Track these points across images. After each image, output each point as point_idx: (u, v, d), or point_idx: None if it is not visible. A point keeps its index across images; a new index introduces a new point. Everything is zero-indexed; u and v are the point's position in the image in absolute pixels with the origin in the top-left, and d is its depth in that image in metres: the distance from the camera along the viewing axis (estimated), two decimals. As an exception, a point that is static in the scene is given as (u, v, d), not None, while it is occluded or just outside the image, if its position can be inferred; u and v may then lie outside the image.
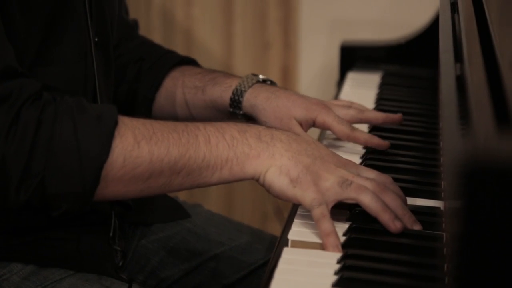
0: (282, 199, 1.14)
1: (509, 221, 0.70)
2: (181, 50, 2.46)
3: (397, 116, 1.44)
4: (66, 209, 1.11)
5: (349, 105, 1.44)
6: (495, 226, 0.71)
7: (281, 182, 1.12)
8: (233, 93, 1.41)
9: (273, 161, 1.13)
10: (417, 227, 1.11)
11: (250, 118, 1.43)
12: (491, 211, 0.70)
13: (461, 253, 0.72)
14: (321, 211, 1.09)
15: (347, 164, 1.16)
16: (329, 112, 1.38)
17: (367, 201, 1.10)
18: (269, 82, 1.45)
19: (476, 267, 0.72)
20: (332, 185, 1.11)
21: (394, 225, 1.09)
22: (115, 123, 1.10)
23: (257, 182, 1.15)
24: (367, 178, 1.13)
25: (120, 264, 1.26)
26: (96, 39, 1.26)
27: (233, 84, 1.42)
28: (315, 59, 2.47)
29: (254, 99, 1.40)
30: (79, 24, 1.23)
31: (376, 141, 1.37)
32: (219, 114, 1.47)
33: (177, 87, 1.48)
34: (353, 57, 1.91)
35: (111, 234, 1.28)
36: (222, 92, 1.43)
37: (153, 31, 2.47)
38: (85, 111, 1.10)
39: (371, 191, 1.10)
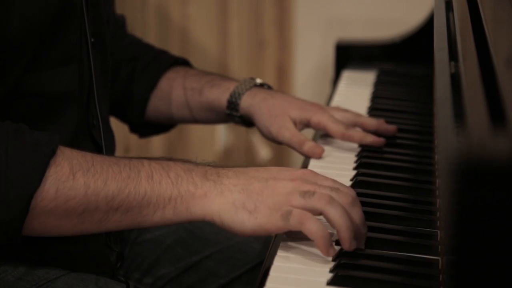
0: (248, 235, 1.06)
1: (504, 218, 0.71)
2: (176, 49, 2.46)
3: (392, 127, 1.43)
4: None
5: (346, 110, 1.45)
6: (490, 223, 0.71)
7: (240, 219, 1.05)
8: (230, 96, 1.42)
9: (223, 199, 1.06)
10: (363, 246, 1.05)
11: (246, 121, 1.44)
12: (485, 208, 0.71)
13: (456, 251, 0.72)
14: (298, 214, 1.03)
15: (303, 174, 1.08)
16: (324, 112, 1.39)
17: (332, 213, 1.03)
18: (266, 87, 1.45)
19: (470, 264, 0.72)
20: (293, 197, 1.04)
21: (349, 245, 1.03)
22: (52, 152, 1.04)
23: (214, 223, 1.08)
24: (332, 188, 1.06)
25: (118, 265, 1.26)
26: (93, 40, 1.26)
27: (231, 87, 1.43)
28: (310, 58, 2.47)
29: (251, 99, 1.41)
30: (76, 25, 1.22)
31: (371, 138, 1.37)
32: (215, 116, 1.48)
33: (173, 88, 1.48)
34: (348, 56, 1.92)
35: (109, 236, 1.27)
36: (220, 94, 1.43)
37: (148, 30, 2.47)
38: (22, 137, 1.04)
39: (338, 204, 1.04)
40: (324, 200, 1.03)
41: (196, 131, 2.58)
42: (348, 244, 1.03)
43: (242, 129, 2.53)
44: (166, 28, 2.49)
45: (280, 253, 1.06)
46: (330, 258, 1.05)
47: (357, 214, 1.05)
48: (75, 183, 1.03)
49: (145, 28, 2.45)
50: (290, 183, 1.06)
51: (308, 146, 1.35)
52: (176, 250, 1.44)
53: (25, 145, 1.03)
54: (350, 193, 1.06)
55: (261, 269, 1.05)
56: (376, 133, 1.41)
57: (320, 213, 1.04)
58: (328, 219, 1.04)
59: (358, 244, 1.04)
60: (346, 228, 1.02)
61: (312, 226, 1.02)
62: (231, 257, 1.46)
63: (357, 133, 1.38)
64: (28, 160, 1.02)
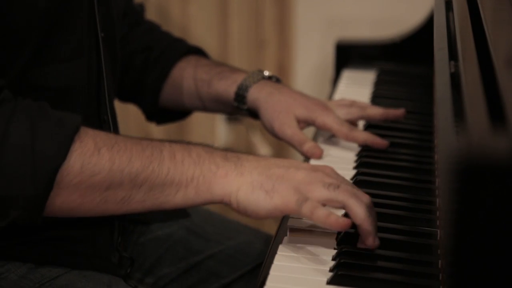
0: (262, 217, 1.06)
1: (504, 217, 0.71)
2: (176, 49, 2.46)
3: (399, 111, 1.44)
4: (15, 217, 1.03)
5: (351, 104, 1.45)
6: (489, 222, 0.71)
7: (256, 197, 1.05)
8: (238, 88, 1.43)
9: (242, 179, 1.06)
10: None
11: (254, 114, 1.44)
12: (485, 207, 0.71)
13: (456, 250, 0.73)
14: (311, 204, 1.03)
15: (325, 169, 1.10)
16: (329, 113, 1.39)
17: (355, 207, 1.03)
18: (274, 80, 1.46)
19: (470, 263, 0.72)
20: (316, 187, 1.05)
21: (373, 242, 1.04)
22: (76, 128, 1.03)
23: (230, 207, 1.08)
24: (352, 187, 1.07)
25: (128, 271, 1.26)
26: (103, 34, 1.26)
27: (238, 79, 1.43)
28: (311, 57, 2.47)
29: (258, 93, 1.41)
30: (85, 19, 1.22)
31: (375, 140, 1.37)
32: (223, 107, 1.48)
33: (184, 78, 1.49)
34: (348, 55, 1.92)
35: (118, 240, 1.27)
36: (228, 86, 1.44)
37: (148, 29, 2.47)
38: (46, 113, 1.04)
39: (362, 200, 1.04)
40: (349, 193, 1.04)
41: (196, 129, 2.58)
42: (372, 239, 1.03)
43: (242, 128, 2.54)
44: (167, 27, 2.47)
45: (280, 252, 1.07)
46: (330, 258, 1.05)
47: (375, 215, 1.05)
48: (100, 158, 1.03)
49: (145, 27, 2.45)
50: (313, 173, 1.06)
51: (308, 146, 1.35)
52: (178, 250, 1.44)
53: (50, 120, 1.03)
54: (368, 197, 1.07)
55: (262, 268, 1.05)
56: (385, 120, 1.44)
57: (342, 207, 1.04)
58: (351, 213, 1.04)
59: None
60: (370, 223, 1.03)
61: (321, 212, 1.02)
62: (232, 257, 1.46)
63: (362, 134, 1.38)
64: (53, 134, 1.01)
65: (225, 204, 1.08)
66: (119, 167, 1.04)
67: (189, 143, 1.11)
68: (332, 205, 1.05)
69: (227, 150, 1.11)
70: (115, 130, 1.31)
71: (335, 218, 1.01)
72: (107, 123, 1.27)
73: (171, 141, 1.10)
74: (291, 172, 1.07)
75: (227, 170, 1.07)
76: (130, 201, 1.06)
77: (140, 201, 1.06)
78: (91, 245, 1.27)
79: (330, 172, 1.09)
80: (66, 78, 1.19)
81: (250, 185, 1.06)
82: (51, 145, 1.01)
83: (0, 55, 1.12)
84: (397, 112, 1.45)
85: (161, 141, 1.10)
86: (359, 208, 1.03)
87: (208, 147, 1.11)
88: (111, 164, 1.04)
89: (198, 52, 1.54)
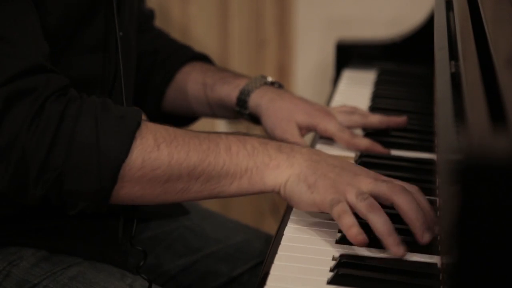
0: (303, 209, 1.12)
1: (504, 218, 0.71)
2: (177, 48, 2.46)
3: (402, 119, 1.44)
4: (82, 208, 1.11)
5: (353, 111, 1.45)
6: (490, 222, 0.71)
7: (299, 190, 1.10)
8: (240, 93, 1.43)
9: (292, 170, 1.11)
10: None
11: (255, 119, 1.44)
12: (485, 207, 0.71)
13: (456, 250, 0.73)
14: (342, 208, 1.07)
15: (368, 172, 1.12)
16: (331, 120, 1.39)
17: (375, 222, 1.05)
18: (277, 85, 1.46)
19: (470, 263, 0.72)
20: (350, 191, 1.08)
21: (397, 250, 1.04)
22: (138, 125, 1.10)
23: (279, 195, 1.13)
24: (388, 183, 1.09)
25: (142, 264, 1.27)
26: (121, 34, 1.28)
27: (241, 84, 1.44)
28: (311, 57, 2.47)
29: (260, 99, 1.41)
30: (104, 17, 1.24)
31: (376, 147, 1.38)
32: (226, 112, 1.49)
33: (188, 82, 1.50)
34: (348, 55, 1.92)
35: (133, 234, 1.29)
36: (230, 91, 1.45)
37: (149, 29, 2.47)
38: (109, 110, 1.10)
39: (409, 193, 1.07)
40: (394, 188, 1.07)
41: (197, 129, 2.58)
42: (393, 251, 1.04)
43: (242, 129, 2.53)
44: (167, 27, 2.48)
45: (281, 252, 1.07)
46: (331, 258, 1.05)
47: (425, 201, 1.08)
48: (160, 153, 1.09)
49: (145, 27, 2.45)
50: (355, 177, 1.10)
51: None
52: (177, 248, 1.45)
53: (112, 118, 1.09)
54: (415, 189, 1.10)
55: (262, 268, 1.05)
56: (387, 128, 1.44)
57: (388, 201, 1.07)
58: (398, 207, 1.06)
59: (431, 235, 1.06)
60: (415, 218, 1.05)
61: (347, 221, 1.05)
62: (231, 256, 1.46)
63: (363, 141, 1.38)
64: (116, 132, 1.08)
65: (276, 193, 1.13)
66: (177, 161, 1.10)
67: (245, 134, 1.16)
68: (379, 199, 1.08)
69: (282, 141, 1.17)
70: None
71: (355, 232, 1.04)
72: None
73: (227, 133, 1.15)
74: (336, 172, 1.11)
75: (279, 162, 1.12)
76: (188, 191, 1.12)
77: (197, 191, 1.13)
78: (103, 237, 1.28)
79: (372, 178, 1.10)
80: (83, 71, 1.23)
81: (297, 177, 1.11)
82: (114, 143, 1.08)
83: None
84: (399, 120, 1.44)
85: (218, 133, 1.15)
86: (378, 223, 1.05)
87: (264, 138, 1.16)
88: (170, 159, 1.10)
89: (204, 58, 1.55)
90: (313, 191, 1.09)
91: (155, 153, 1.09)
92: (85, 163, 1.07)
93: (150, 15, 1.59)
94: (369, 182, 1.09)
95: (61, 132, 1.06)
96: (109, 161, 1.07)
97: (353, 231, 1.04)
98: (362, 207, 1.06)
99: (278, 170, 1.12)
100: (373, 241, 1.07)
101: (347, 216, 1.06)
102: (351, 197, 1.07)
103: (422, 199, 1.09)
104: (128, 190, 1.10)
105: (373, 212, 1.06)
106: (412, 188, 1.10)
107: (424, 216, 1.06)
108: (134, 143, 1.08)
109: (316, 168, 1.11)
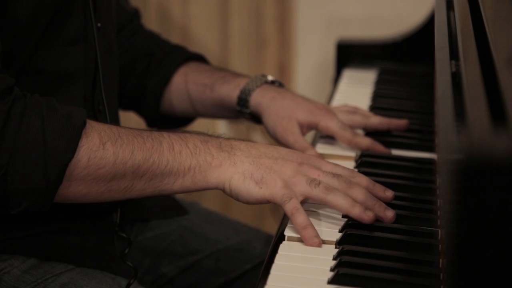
0: (251, 203, 1.15)
1: (505, 217, 0.71)
2: (177, 48, 2.45)
3: (402, 122, 1.44)
4: (25, 207, 1.10)
5: (354, 111, 1.45)
6: (490, 222, 0.71)
7: (247, 186, 1.13)
8: (241, 92, 1.43)
9: (235, 168, 1.14)
10: (389, 213, 1.11)
11: (256, 118, 1.44)
12: (486, 207, 0.71)
13: (457, 249, 0.73)
14: (294, 205, 1.10)
15: (309, 159, 1.16)
16: (333, 117, 1.39)
17: (335, 201, 1.10)
18: (277, 84, 1.45)
19: (471, 263, 0.72)
20: (300, 181, 1.12)
21: (366, 216, 1.09)
22: (83, 124, 1.10)
23: (224, 192, 1.16)
24: (333, 175, 1.14)
25: (126, 251, 1.27)
26: (99, 25, 1.27)
27: (241, 83, 1.43)
28: (311, 57, 2.47)
29: (261, 97, 1.41)
30: (82, 9, 1.24)
31: (377, 147, 1.37)
32: (226, 112, 1.48)
33: (186, 83, 1.50)
34: (349, 55, 1.92)
35: (117, 221, 1.29)
36: (230, 91, 1.44)
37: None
38: (55, 110, 1.10)
39: (338, 191, 1.11)
40: (326, 191, 1.11)
41: (197, 129, 2.58)
42: (364, 217, 1.10)
43: (242, 128, 2.53)
44: (167, 27, 2.49)
45: (281, 252, 1.07)
46: (331, 257, 1.05)
47: (355, 191, 1.12)
48: (105, 152, 1.11)
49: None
50: (299, 166, 1.14)
51: (309, 154, 1.35)
52: (177, 249, 1.44)
53: (59, 117, 1.09)
54: (349, 173, 1.15)
55: (263, 268, 1.05)
56: (388, 129, 1.44)
57: (323, 204, 1.13)
58: (334, 207, 1.11)
59: (379, 213, 1.11)
60: (348, 207, 1.10)
61: (300, 220, 1.09)
62: (231, 256, 1.46)
63: (365, 140, 1.38)
64: (62, 131, 1.08)
65: (220, 190, 1.16)
66: (122, 160, 1.11)
67: (185, 132, 1.18)
68: (317, 201, 1.13)
69: (221, 137, 1.19)
70: (112, 123, 1.31)
71: (310, 234, 1.08)
72: (103, 113, 1.28)
73: (169, 132, 1.17)
74: (279, 164, 1.14)
75: (221, 160, 1.15)
76: (132, 189, 1.14)
77: (141, 189, 1.14)
78: (95, 238, 1.28)
79: (314, 162, 1.16)
80: (64, 64, 1.23)
81: (241, 174, 1.14)
82: (61, 142, 1.08)
83: (7, 48, 1.14)
84: (400, 122, 1.44)
85: (160, 131, 1.17)
86: (338, 201, 1.11)
87: (204, 136, 1.18)
88: (115, 158, 1.11)
89: (200, 58, 1.55)
90: (261, 186, 1.13)
91: (101, 152, 1.10)
92: (31, 162, 1.07)
93: (135, 13, 1.58)
94: (313, 172, 1.13)
95: (7, 131, 1.06)
96: (55, 160, 1.07)
97: (308, 233, 1.08)
98: (318, 193, 1.11)
99: (221, 169, 1.14)
100: (373, 240, 1.07)
101: (300, 215, 1.09)
102: (303, 187, 1.12)
103: (357, 184, 1.13)
104: (73, 189, 1.10)
105: (330, 193, 1.11)
106: (350, 173, 1.15)
107: (355, 203, 1.10)
108: (80, 142, 1.09)
109: (259, 163, 1.14)
